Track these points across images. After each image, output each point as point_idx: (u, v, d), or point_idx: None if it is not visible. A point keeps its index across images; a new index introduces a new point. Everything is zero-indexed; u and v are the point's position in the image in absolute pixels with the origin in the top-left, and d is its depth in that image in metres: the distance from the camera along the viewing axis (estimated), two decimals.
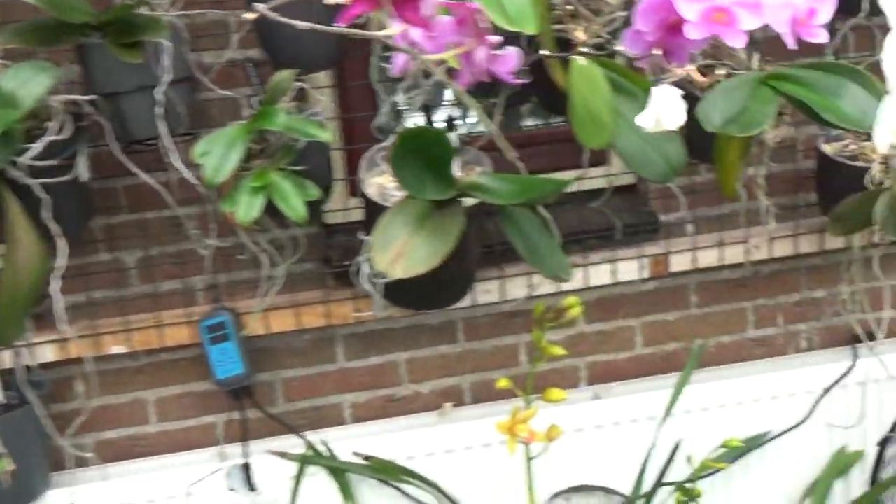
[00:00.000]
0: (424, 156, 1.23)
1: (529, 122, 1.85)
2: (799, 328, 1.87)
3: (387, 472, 1.59)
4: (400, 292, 1.48)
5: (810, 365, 1.79)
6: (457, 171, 1.41)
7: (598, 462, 1.71)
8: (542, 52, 1.10)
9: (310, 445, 1.60)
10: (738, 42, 0.95)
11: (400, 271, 1.15)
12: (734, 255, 1.75)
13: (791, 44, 1.01)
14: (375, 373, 1.75)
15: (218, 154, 1.28)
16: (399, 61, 0.81)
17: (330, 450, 1.61)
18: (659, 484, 1.50)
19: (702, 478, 1.55)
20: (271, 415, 1.63)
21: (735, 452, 1.72)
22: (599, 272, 1.71)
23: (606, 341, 1.81)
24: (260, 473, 1.59)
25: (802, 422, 1.76)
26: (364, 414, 1.76)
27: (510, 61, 0.74)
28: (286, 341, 1.69)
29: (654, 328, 1.82)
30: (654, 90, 0.89)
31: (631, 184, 1.80)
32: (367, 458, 1.59)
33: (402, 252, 1.16)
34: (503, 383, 1.47)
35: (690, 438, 1.72)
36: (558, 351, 1.44)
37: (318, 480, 1.61)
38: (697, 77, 0.87)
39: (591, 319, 1.80)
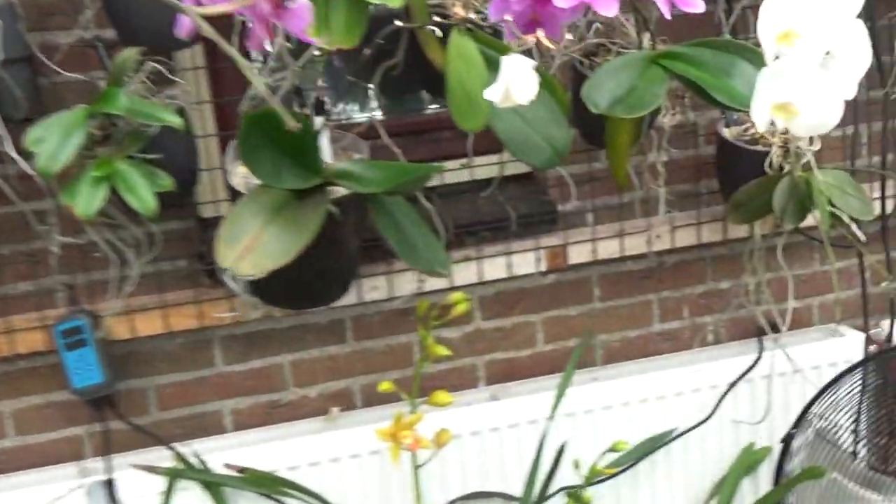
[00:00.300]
0: (280, 141, 1.11)
1: (424, 108, 1.75)
2: (705, 321, 1.80)
3: (264, 484, 1.47)
4: (268, 290, 1.36)
5: (716, 359, 1.72)
6: (329, 157, 1.30)
7: (495, 466, 1.62)
8: (410, 24, 1.01)
9: (180, 457, 1.48)
10: (609, 11, 0.86)
11: (248, 268, 1.04)
12: (636, 245, 1.67)
13: (666, 13, 0.92)
14: (258, 377, 1.63)
15: (54, 141, 1.15)
16: (184, 24, 0.69)
17: (203, 462, 1.49)
18: (545, 490, 1.41)
19: (598, 482, 1.47)
20: (136, 426, 1.50)
21: (635, 453, 1.65)
22: (495, 266, 1.62)
23: (506, 338, 1.72)
24: (125, 489, 1.46)
25: (708, 418, 1.69)
26: (247, 421, 1.64)
27: (301, 16, 0.63)
28: (157, 345, 1.56)
29: (556, 323, 1.74)
30: (504, 60, 0.79)
31: (527, 172, 1.71)
32: (241, 469, 1.47)
33: (250, 247, 1.04)
34: (385, 386, 1.36)
35: (589, 439, 1.64)
36: (443, 351, 1.34)
37: (192, 495, 1.48)
38: (547, 44, 0.77)
39: (488, 315, 1.70)
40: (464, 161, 1.39)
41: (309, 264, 1.34)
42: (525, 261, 1.63)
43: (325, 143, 1.29)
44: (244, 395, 1.63)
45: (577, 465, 1.33)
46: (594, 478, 1.29)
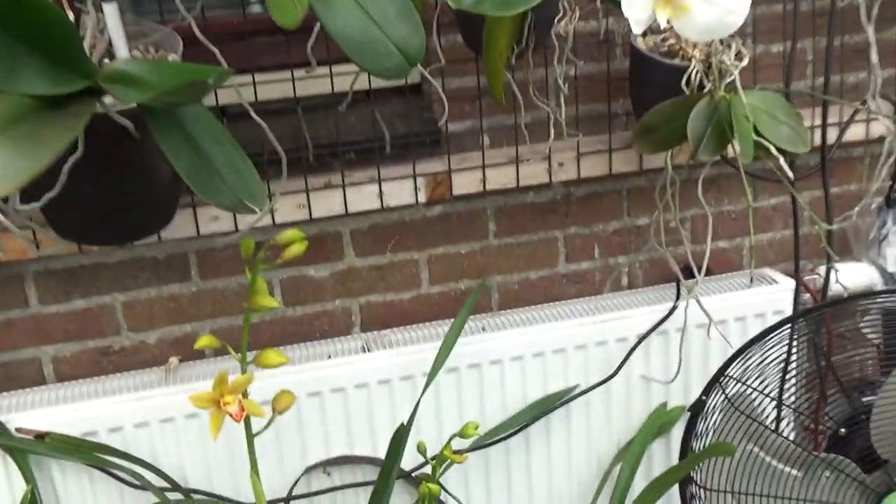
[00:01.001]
0: (21, 33, 0.84)
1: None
2: (618, 261, 1.56)
3: (69, 451, 1.24)
4: (59, 222, 1.11)
5: (631, 307, 1.49)
6: (124, 54, 1.03)
7: (365, 428, 1.39)
8: None
9: None
10: None
11: None
12: (535, 174, 1.42)
13: None
14: (83, 320, 1.38)
15: None
16: None
17: (2, 423, 1.25)
18: (396, 460, 1.19)
19: (488, 444, 1.25)
20: None
21: (528, 413, 1.43)
22: (363, 195, 1.36)
23: (384, 278, 1.48)
24: None
25: (613, 374, 1.47)
26: (72, 371, 1.40)
27: None
28: None
29: (444, 262, 1.49)
30: None
31: (414, 84, 1.44)
32: (39, 434, 1.24)
33: None
34: (205, 342, 1.11)
35: (474, 398, 1.42)
36: (272, 303, 1.09)
37: None
38: None
39: (362, 252, 1.46)
40: (309, 69, 1.12)
41: (103, 192, 1.07)
42: (401, 190, 1.37)
43: (116, 34, 1.02)
44: (67, 341, 1.38)
45: (420, 448, 1.10)
46: (443, 462, 1.06)
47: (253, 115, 1.12)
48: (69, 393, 1.33)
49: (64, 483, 1.29)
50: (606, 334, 1.46)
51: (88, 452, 1.25)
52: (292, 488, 1.37)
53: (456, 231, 1.48)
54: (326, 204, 1.35)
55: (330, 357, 1.39)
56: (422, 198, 1.39)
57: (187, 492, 1.32)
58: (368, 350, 1.41)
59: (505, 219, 1.50)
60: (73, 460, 1.25)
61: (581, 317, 1.47)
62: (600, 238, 1.54)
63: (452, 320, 1.42)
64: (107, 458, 1.27)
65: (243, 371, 1.13)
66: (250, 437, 1.16)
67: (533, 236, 1.52)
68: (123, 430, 1.30)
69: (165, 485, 1.31)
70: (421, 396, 1.31)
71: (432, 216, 1.47)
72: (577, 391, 1.47)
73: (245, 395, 1.14)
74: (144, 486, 1.28)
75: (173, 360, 1.39)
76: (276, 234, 1.09)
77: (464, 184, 1.40)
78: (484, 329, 1.46)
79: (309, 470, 1.38)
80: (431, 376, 1.31)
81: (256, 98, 1.29)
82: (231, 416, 1.10)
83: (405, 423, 1.27)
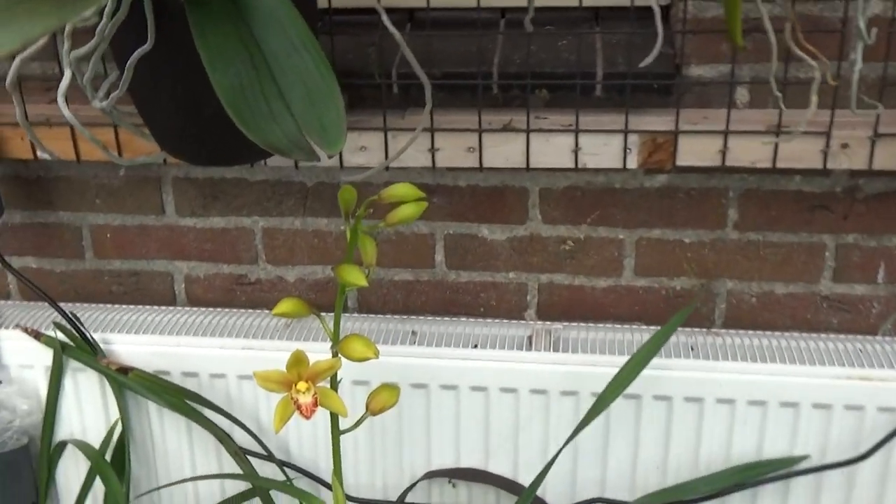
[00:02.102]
0: None
1: None
2: None
3: (159, 391, 1.07)
4: (153, 127, 0.91)
5: None
6: None
7: (508, 442, 1.09)
8: None
9: (75, 326, 1.11)
10: None
11: None
12: (805, 154, 1.00)
13: None
14: (221, 240, 1.20)
15: None
16: None
17: (97, 342, 1.11)
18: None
19: None
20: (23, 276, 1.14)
21: (723, 480, 1.05)
22: (553, 147, 1.03)
23: (575, 257, 1.14)
24: (11, 351, 1.13)
25: (866, 456, 1.03)
26: (204, 294, 1.23)
27: None
28: (89, 172, 1.18)
29: (658, 250, 1.13)
30: None
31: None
32: (123, 368, 1.08)
33: None
34: (287, 307, 0.86)
35: (652, 439, 1.06)
36: (358, 280, 0.81)
37: (91, 381, 1.12)
38: None
39: (551, 219, 1.13)
40: None
41: (183, 92, 0.85)
42: (605, 147, 1.02)
43: None
44: (202, 261, 1.21)
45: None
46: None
47: (384, 18, 0.82)
48: (189, 320, 1.16)
49: (161, 424, 1.14)
50: (868, 397, 1.02)
51: (175, 397, 1.08)
52: (406, 492, 1.12)
53: (680, 213, 1.10)
54: (503, 151, 1.04)
55: (476, 347, 1.09)
56: (631, 162, 1.02)
57: (282, 464, 1.12)
58: (531, 346, 1.09)
59: (753, 207, 1.09)
60: (159, 402, 1.08)
61: (838, 364, 1.04)
62: (889, 256, 1.09)
63: (655, 329, 1.07)
64: (196, 406, 1.09)
65: (334, 354, 0.87)
66: (336, 433, 0.91)
67: (790, 237, 1.10)
68: (226, 379, 1.11)
69: (261, 451, 1.11)
70: (582, 425, 0.98)
71: (651, 188, 1.10)
72: (807, 466, 1.05)
73: (334, 383, 0.89)
74: (236, 451, 1.09)
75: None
76: (344, 187, 0.81)
77: (694, 151, 1.01)
78: (693, 350, 1.08)
79: (431, 475, 1.12)
80: (603, 403, 0.98)
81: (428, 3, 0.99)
82: (299, 409, 0.85)
83: (555, 455, 0.96)
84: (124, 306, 1.21)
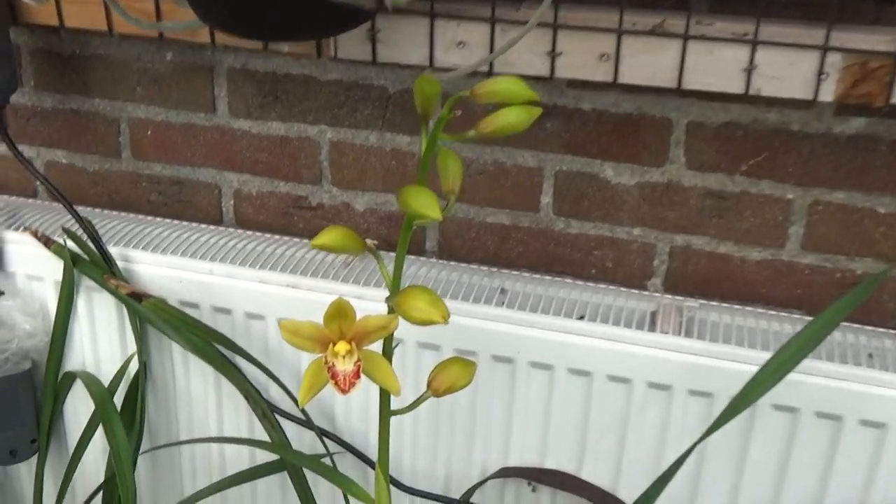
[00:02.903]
0: None
1: None
2: None
3: (177, 324, 0.86)
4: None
5: None
6: None
7: (611, 443, 0.85)
8: None
9: (91, 234, 0.90)
10: None
11: None
12: None
13: None
14: (280, 151, 0.98)
15: None
16: None
17: (110, 259, 0.90)
18: None
19: None
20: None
21: None
22: (718, 63, 0.76)
23: (724, 216, 0.88)
24: (17, 256, 0.94)
25: None
26: (255, 215, 1.01)
27: None
28: (128, 50, 0.97)
29: (839, 219, 0.85)
30: None
31: None
32: (139, 295, 0.87)
33: None
34: (329, 237, 0.63)
35: (811, 465, 0.80)
36: (432, 212, 0.57)
37: (106, 301, 0.92)
38: None
39: (698, 163, 0.86)
40: None
41: None
42: (790, 69, 0.74)
43: None
44: (256, 174, 0.99)
45: None
46: None
47: None
48: (231, 245, 0.95)
49: (185, 367, 0.93)
50: None
51: (199, 338, 0.86)
52: (474, 489, 0.88)
53: (879, 172, 0.82)
54: (647, 63, 0.77)
55: (583, 318, 0.84)
56: (826, 92, 0.74)
57: (323, 433, 0.90)
58: (654, 326, 0.84)
59: None
60: (179, 341, 0.87)
61: None
62: None
63: (809, 320, 0.80)
64: (225, 352, 0.88)
65: (390, 310, 0.64)
66: (385, 414, 0.68)
67: None
68: (265, 321, 0.89)
69: (299, 416, 0.89)
70: (707, 433, 0.72)
71: (842, 135, 0.81)
72: None
73: (388, 348, 0.66)
74: (265, 413, 0.87)
75: (370, 243, 0.94)
76: (424, 78, 0.56)
77: None
78: (871, 357, 0.81)
79: (507, 473, 0.88)
80: (735, 409, 0.72)
81: None
82: (334, 379, 0.62)
83: (671, 468, 0.71)
84: (158, 219, 1.01)
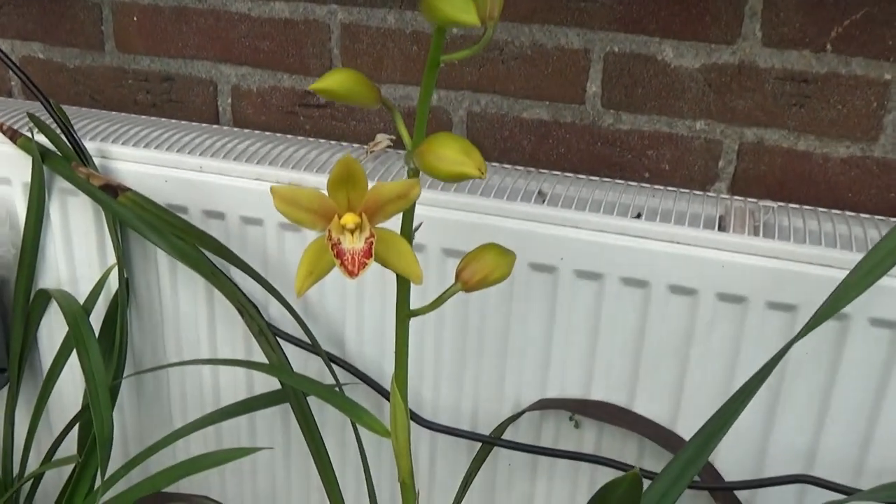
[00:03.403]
0: None
1: None
2: None
3: (158, 224, 0.74)
4: None
5: None
6: None
7: (670, 366, 0.71)
8: None
9: (66, 131, 0.78)
10: None
11: None
12: None
13: None
14: (283, 38, 0.85)
15: None
16: None
17: (88, 154, 0.78)
18: None
19: None
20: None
21: None
22: None
23: (806, 105, 0.74)
24: None
25: None
26: (255, 116, 0.89)
27: None
28: None
29: None
30: None
31: None
32: (113, 188, 0.74)
33: None
34: (331, 81, 0.50)
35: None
36: (464, 14, 0.44)
37: (81, 203, 0.80)
38: None
39: (776, 38, 0.72)
40: None
41: None
42: None
43: None
44: (256, 66, 0.86)
45: None
46: None
47: None
48: (228, 146, 0.82)
49: (172, 279, 0.81)
50: None
51: (187, 243, 0.74)
52: (507, 424, 0.75)
53: None
54: None
55: (640, 217, 0.71)
56: None
57: (330, 359, 0.77)
58: (724, 229, 0.70)
59: None
60: (162, 247, 0.74)
61: None
62: None
63: None
64: (216, 260, 0.75)
65: (410, 173, 0.51)
66: (404, 314, 0.56)
67: None
68: (264, 226, 0.76)
69: (304, 338, 0.77)
70: (791, 343, 0.59)
71: None
72: None
73: (407, 228, 0.54)
74: (261, 330, 0.75)
75: (382, 138, 0.81)
76: None
77: None
78: None
79: (545, 405, 0.75)
80: (824, 315, 0.58)
81: None
82: (340, 258, 0.50)
83: (737, 399, 0.58)
84: (143, 117, 0.88)
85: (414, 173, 0.50)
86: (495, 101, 0.81)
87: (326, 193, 0.49)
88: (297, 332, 0.78)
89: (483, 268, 0.53)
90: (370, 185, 0.49)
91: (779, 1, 0.71)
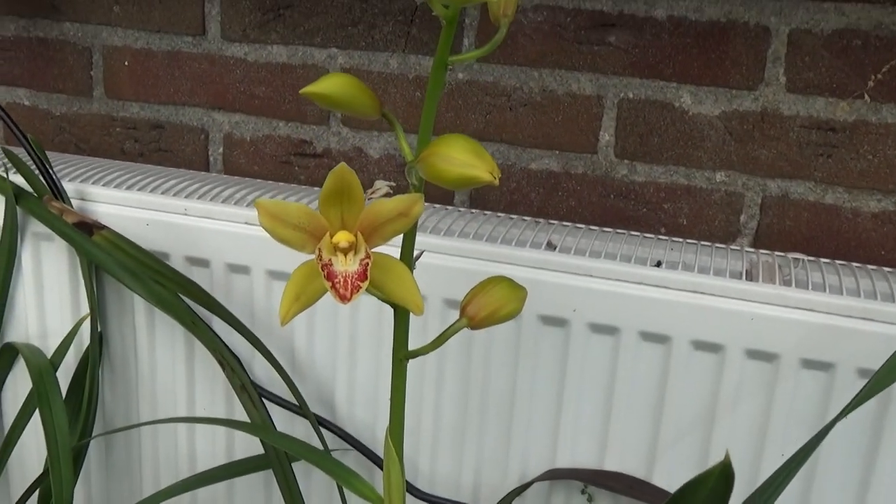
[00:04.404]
0: None
1: None
2: None
3: (135, 268, 0.68)
4: None
5: None
6: None
7: (703, 429, 0.65)
8: None
9: (35, 156, 0.73)
10: None
11: None
12: None
13: None
14: (281, 83, 0.81)
15: None
16: None
17: (66, 194, 0.73)
18: None
19: None
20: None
21: None
22: None
23: (834, 155, 0.70)
24: None
25: None
26: (247, 165, 0.84)
27: None
28: None
29: None
30: None
31: None
32: (85, 223, 0.68)
33: None
34: (327, 85, 0.45)
35: None
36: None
37: (57, 247, 0.74)
38: None
39: (801, 83, 0.68)
40: None
41: None
42: None
43: None
44: (251, 113, 0.82)
45: None
46: None
47: None
48: (218, 194, 0.77)
49: (150, 329, 0.74)
50: None
51: (167, 289, 0.68)
52: (512, 496, 0.68)
53: None
54: None
55: (660, 265, 0.65)
56: None
57: (320, 421, 0.70)
58: (749, 279, 0.65)
59: None
60: (140, 292, 0.68)
61: None
62: None
63: None
64: (197, 309, 0.69)
65: (412, 188, 0.46)
66: (401, 354, 0.49)
67: None
68: (251, 275, 0.71)
69: (291, 399, 0.70)
70: (839, 417, 0.52)
71: None
72: None
73: (407, 254, 0.48)
74: (243, 386, 0.68)
75: (381, 185, 0.76)
76: None
77: None
78: None
79: (555, 476, 0.68)
80: (881, 383, 0.52)
81: None
82: (331, 281, 0.44)
83: (780, 476, 0.51)
84: (128, 163, 0.83)
85: (416, 189, 0.45)
86: (502, 150, 0.76)
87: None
88: (284, 393, 0.71)
89: (491, 302, 0.48)
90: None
91: (804, 45, 0.67)
